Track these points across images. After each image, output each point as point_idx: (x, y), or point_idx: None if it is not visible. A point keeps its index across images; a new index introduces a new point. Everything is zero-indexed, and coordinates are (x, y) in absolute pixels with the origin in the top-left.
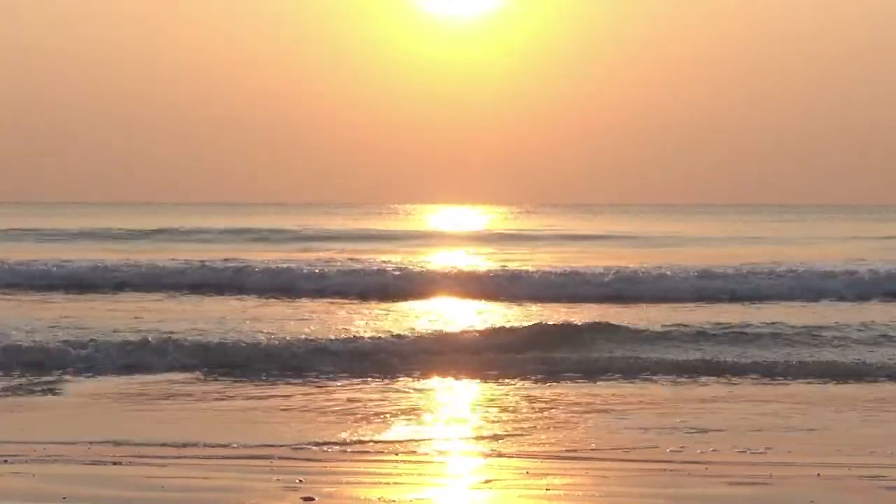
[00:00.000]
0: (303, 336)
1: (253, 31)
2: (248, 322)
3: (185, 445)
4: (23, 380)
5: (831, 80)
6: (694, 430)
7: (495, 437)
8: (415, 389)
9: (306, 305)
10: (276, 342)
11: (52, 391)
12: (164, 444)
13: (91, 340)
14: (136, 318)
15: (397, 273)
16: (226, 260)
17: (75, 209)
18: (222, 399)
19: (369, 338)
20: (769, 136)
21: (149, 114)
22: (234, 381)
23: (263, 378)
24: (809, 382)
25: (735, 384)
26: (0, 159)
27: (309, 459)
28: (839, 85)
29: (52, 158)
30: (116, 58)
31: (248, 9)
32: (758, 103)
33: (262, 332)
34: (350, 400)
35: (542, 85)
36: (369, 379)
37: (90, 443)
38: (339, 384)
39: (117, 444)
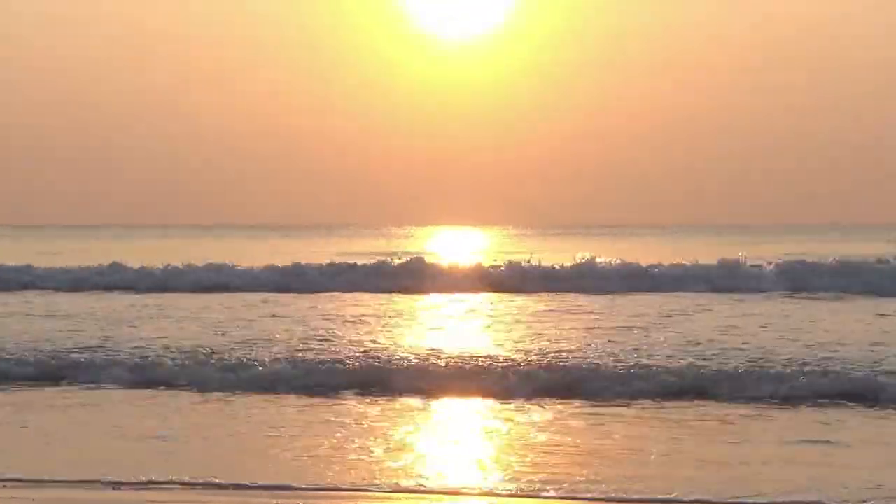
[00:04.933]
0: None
1: (253, 54)
2: None
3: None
4: None
5: (853, 93)
6: (703, 462)
7: (496, 477)
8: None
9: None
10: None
11: None
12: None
13: None
14: None
15: None
16: None
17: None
18: None
19: None
20: (786, 155)
21: (147, 140)
22: None
23: None
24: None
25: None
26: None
27: (309, 492)
28: (864, 100)
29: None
30: (116, 75)
31: (246, 31)
32: (768, 117)
33: None
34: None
35: (541, 105)
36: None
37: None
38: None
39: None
